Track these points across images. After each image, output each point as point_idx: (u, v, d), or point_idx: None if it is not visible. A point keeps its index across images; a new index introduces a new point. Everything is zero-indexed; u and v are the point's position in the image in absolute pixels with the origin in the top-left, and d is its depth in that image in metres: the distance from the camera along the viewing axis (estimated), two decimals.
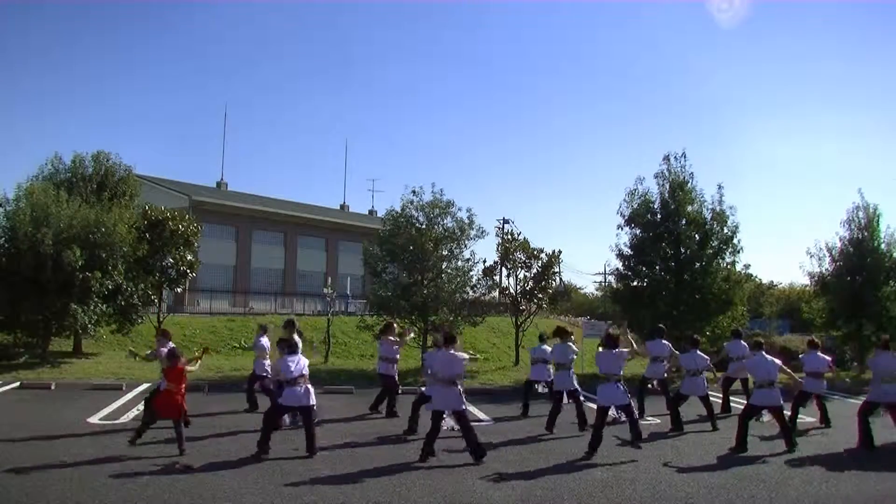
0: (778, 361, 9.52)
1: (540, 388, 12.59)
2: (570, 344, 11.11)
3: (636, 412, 9.51)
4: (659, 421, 11.74)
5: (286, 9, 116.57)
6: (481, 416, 12.11)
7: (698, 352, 11.67)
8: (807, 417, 11.93)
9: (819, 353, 11.66)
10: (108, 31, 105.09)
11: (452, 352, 8.47)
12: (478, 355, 12.91)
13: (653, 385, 12.41)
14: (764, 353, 9.65)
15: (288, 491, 6.70)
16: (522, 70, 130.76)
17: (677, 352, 12.36)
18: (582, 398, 11.15)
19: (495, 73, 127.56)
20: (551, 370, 12.01)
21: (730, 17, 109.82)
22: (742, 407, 10.69)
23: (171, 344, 9.92)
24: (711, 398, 11.72)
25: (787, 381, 10.61)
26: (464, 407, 8.40)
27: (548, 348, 12.27)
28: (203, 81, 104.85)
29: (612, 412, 9.59)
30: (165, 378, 8.50)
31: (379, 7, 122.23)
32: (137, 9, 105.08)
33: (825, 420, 11.62)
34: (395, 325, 12.60)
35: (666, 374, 12.35)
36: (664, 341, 12.38)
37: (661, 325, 13.19)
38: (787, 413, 10.71)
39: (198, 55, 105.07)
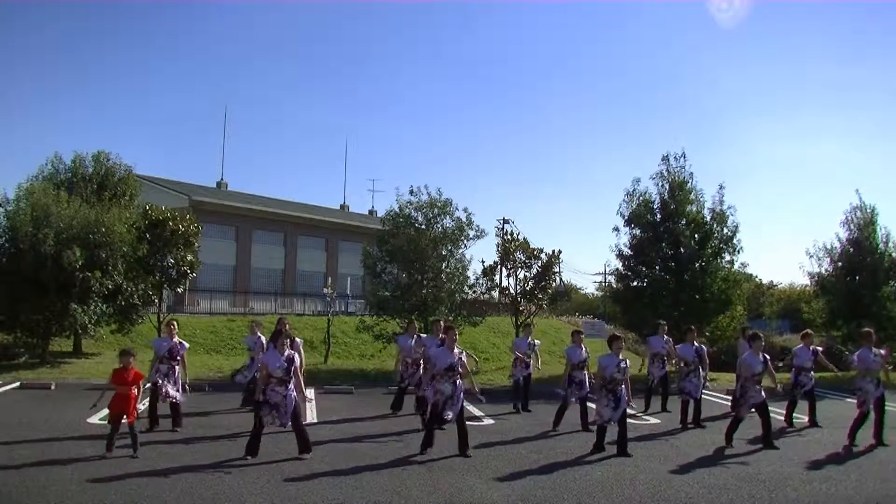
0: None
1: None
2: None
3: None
4: (659, 421, 11.75)
5: (286, 9, 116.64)
6: (481, 415, 12.10)
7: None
8: (803, 417, 11.98)
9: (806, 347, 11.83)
10: (108, 31, 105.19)
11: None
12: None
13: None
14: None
15: (288, 491, 6.70)
16: (522, 71, 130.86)
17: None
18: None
19: (495, 74, 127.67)
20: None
21: (730, 17, 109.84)
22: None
23: (177, 338, 9.88)
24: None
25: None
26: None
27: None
28: (203, 82, 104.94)
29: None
30: (116, 381, 8.10)
31: (379, 8, 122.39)
32: (138, 9, 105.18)
33: (789, 421, 11.73)
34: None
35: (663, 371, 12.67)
36: (665, 337, 12.80)
37: (660, 322, 13.47)
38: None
39: (198, 56, 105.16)
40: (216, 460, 7.89)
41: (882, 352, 10.02)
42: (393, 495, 6.67)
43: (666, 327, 13.20)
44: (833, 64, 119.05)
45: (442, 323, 10.48)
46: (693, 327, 12.58)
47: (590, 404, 10.59)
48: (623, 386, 8.90)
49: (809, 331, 13.01)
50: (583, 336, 11.51)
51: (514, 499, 6.70)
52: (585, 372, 10.83)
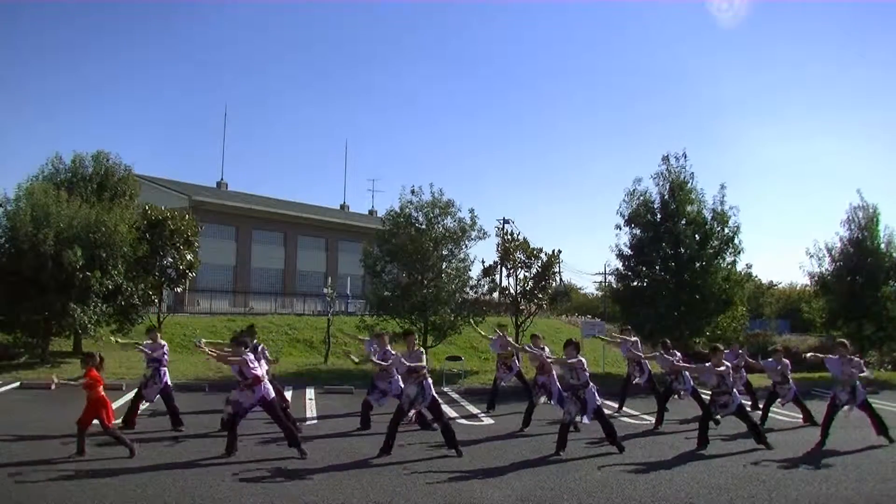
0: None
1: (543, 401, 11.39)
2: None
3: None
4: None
5: (286, 10, 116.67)
6: (481, 415, 12.10)
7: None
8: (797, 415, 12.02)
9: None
10: (108, 32, 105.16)
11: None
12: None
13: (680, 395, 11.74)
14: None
15: (288, 490, 6.71)
16: (523, 71, 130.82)
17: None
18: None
19: (496, 76, 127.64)
20: None
21: (730, 17, 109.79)
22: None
23: (162, 340, 10.03)
24: None
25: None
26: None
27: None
28: (204, 82, 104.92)
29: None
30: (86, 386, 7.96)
31: (380, 8, 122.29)
32: (138, 10, 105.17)
33: (764, 413, 11.98)
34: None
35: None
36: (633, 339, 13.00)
37: (628, 327, 13.62)
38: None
39: (199, 56, 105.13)
40: (216, 460, 7.89)
41: (857, 360, 10.17)
42: (393, 495, 6.67)
43: (632, 331, 13.35)
44: (833, 64, 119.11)
45: (386, 337, 10.54)
46: (667, 343, 12.27)
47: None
48: (586, 390, 8.90)
49: (778, 346, 13.24)
50: (542, 339, 11.62)
51: (514, 499, 6.70)
52: (548, 376, 10.75)
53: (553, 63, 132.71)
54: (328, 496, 6.55)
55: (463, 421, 11.31)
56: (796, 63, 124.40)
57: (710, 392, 9.75)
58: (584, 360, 9.03)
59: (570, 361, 8.94)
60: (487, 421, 11.58)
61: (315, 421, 11.02)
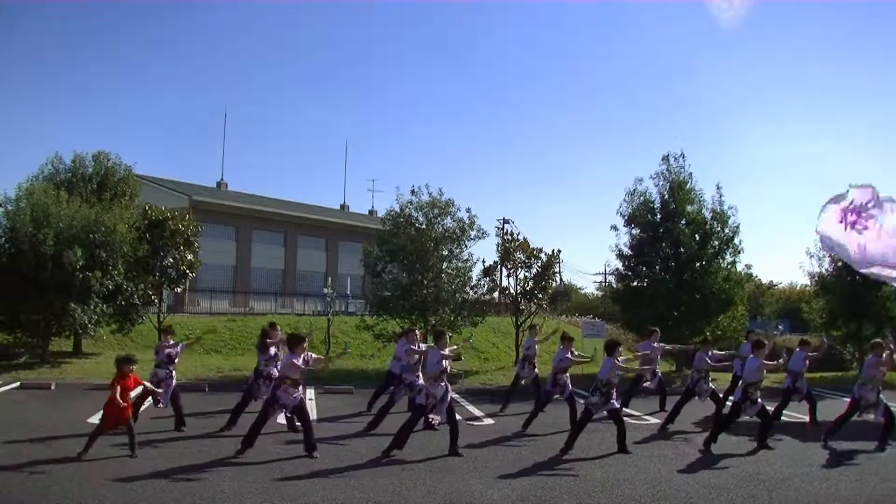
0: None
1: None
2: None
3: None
4: (658, 421, 11.74)
5: (286, 10, 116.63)
6: (481, 415, 12.11)
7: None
8: (804, 417, 11.99)
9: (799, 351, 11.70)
10: (108, 32, 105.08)
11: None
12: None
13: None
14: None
15: (288, 491, 6.70)
16: (523, 72, 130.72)
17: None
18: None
19: (496, 76, 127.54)
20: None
21: (730, 17, 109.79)
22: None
23: (172, 342, 10.02)
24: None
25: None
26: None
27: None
28: (204, 82, 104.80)
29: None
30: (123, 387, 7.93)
31: (380, 8, 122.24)
32: (138, 10, 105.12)
33: (776, 415, 11.74)
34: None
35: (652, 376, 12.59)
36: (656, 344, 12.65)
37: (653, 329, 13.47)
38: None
39: (198, 56, 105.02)
40: (216, 460, 7.89)
41: (883, 358, 10.05)
42: (393, 495, 6.67)
43: (658, 334, 13.14)
44: (833, 64, 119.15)
45: (413, 333, 10.84)
46: (708, 339, 12.44)
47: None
48: (612, 391, 8.94)
49: (808, 338, 13.03)
50: (573, 342, 11.45)
51: (514, 499, 6.71)
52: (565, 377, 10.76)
53: (553, 63, 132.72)
54: (328, 496, 6.56)
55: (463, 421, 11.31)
56: (796, 63, 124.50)
57: (741, 390, 9.54)
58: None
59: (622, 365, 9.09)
60: (488, 421, 11.58)
61: (315, 422, 11.00)
